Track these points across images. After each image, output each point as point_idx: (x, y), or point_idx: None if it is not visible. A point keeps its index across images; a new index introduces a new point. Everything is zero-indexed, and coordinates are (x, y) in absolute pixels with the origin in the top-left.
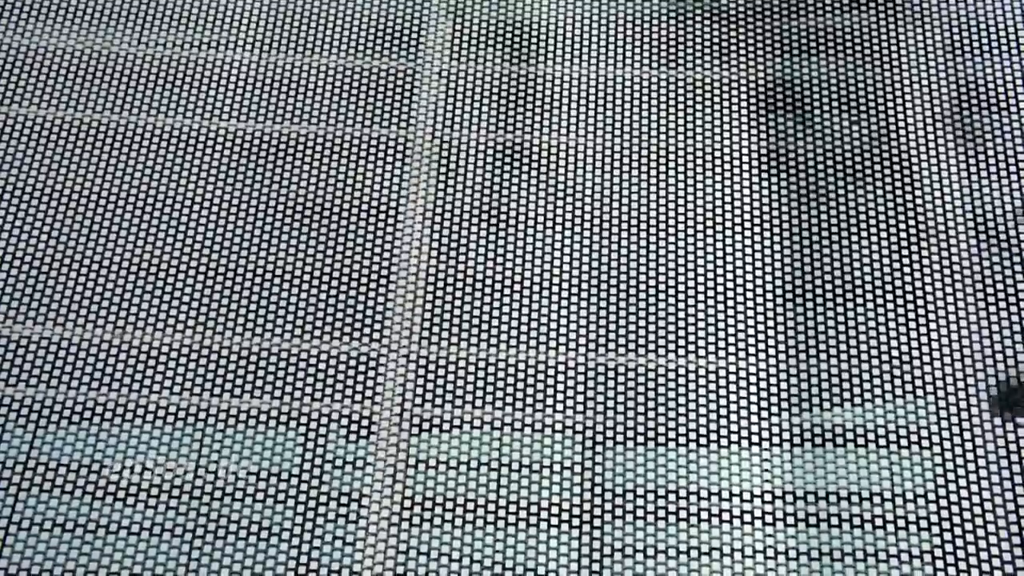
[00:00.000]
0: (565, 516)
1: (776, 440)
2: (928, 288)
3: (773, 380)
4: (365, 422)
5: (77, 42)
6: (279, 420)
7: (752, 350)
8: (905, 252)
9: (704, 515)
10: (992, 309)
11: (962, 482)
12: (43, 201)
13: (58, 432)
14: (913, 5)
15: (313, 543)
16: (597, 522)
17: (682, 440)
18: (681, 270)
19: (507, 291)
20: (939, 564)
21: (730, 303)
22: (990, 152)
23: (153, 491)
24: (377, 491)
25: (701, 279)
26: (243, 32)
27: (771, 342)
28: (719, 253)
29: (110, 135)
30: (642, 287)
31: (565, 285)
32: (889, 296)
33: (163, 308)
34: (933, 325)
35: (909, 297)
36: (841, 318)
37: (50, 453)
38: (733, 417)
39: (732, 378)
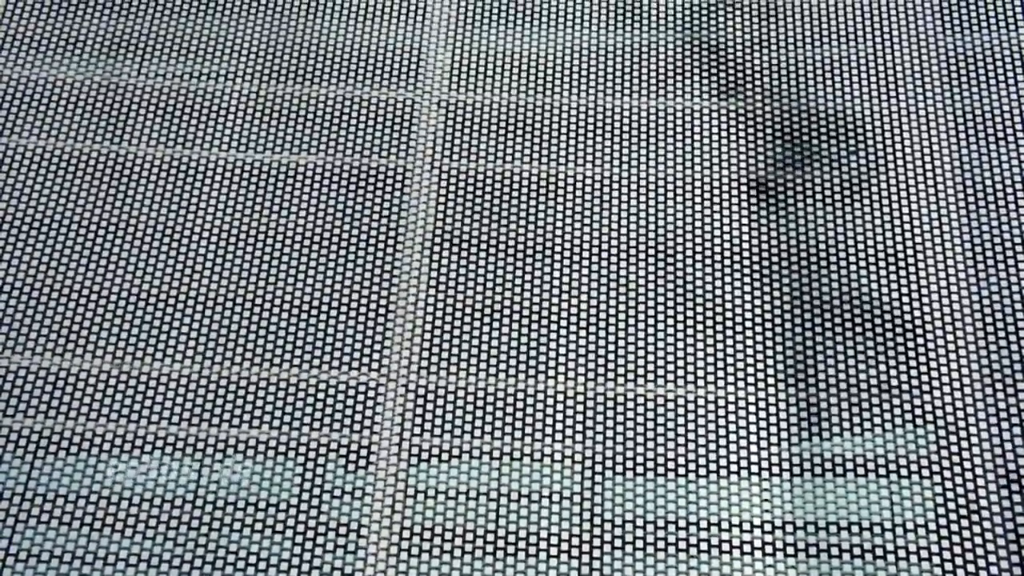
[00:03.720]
0: (564, 546)
1: (776, 470)
2: (927, 318)
3: (772, 410)
4: (364, 452)
5: (78, 74)
6: (277, 450)
7: (751, 380)
8: (904, 282)
9: (704, 545)
10: (991, 339)
11: (962, 512)
12: (42, 232)
13: (56, 463)
14: (914, 36)
15: (312, 573)
16: (597, 552)
17: (682, 470)
18: (680, 300)
19: (506, 320)
20: None
21: (729, 333)
22: (987, 181)
23: (151, 522)
24: (376, 521)
25: (701, 309)
26: (243, 63)
27: (770, 372)
28: (717, 283)
29: (110, 166)
30: (642, 316)
31: (564, 314)
32: (888, 326)
33: (161, 338)
34: (932, 355)
35: (908, 327)
36: (840, 348)
37: (48, 484)
38: (733, 447)
39: (731, 408)
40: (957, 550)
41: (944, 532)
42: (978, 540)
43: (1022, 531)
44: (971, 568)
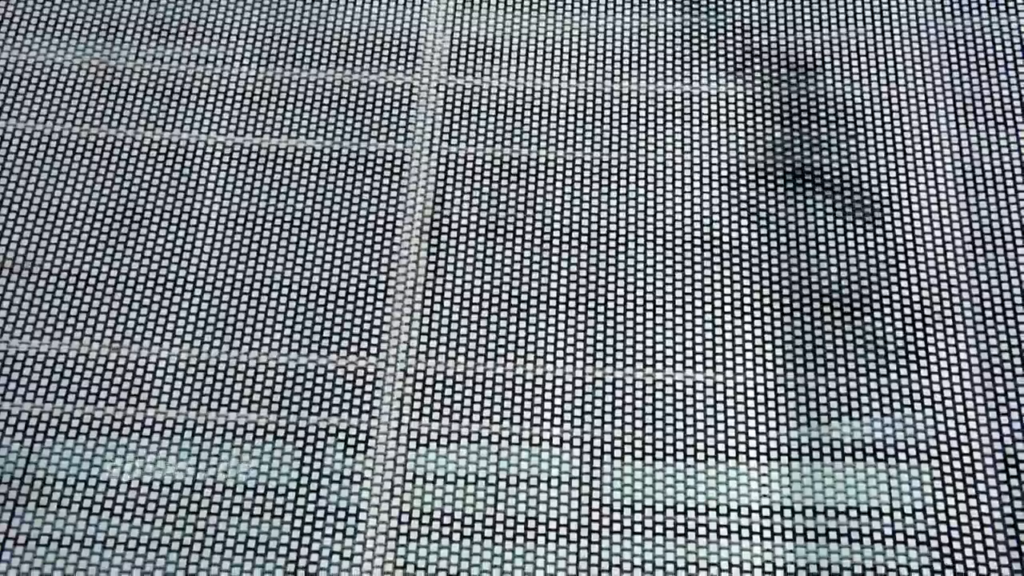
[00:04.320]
0: (563, 531)
1: (774, 454)
2: (925, 303)
3: (770, 394)
4: (363, 436)
5: (76, 56)
6: (275, 434)
7: (749, 364)
8: (901, 263)
9: (702, 530)
10: (990, 324)
11: (961, 496)
12: (39, 215)
13: (54, 447)
14: (913, 20)
15: (310, 558)
16: (595, 537)
17: (679, 454)
18: (679, 284)
19: (505, 305)
20: None
21: (728, 317)
22: (987, 167)
23: (150, 506)
24: (375, 505)
25: (697, 292)
26: (240, 46)
27: (768, 355)
28: (714, 266)
29: (108, 149)
30: (639, 300)
31: (563, 299)
32: (887, 311)
33: (160, 322)
34: (930, 339)
35: (907, 311)
36: (838, 331)
37: (46, 468)
38: (731, 431)
39: (729, 392)
40: (955, 534)
41: (942, 516)
42: (976, 524)
43: (1020, 515)
44: (968, 552)
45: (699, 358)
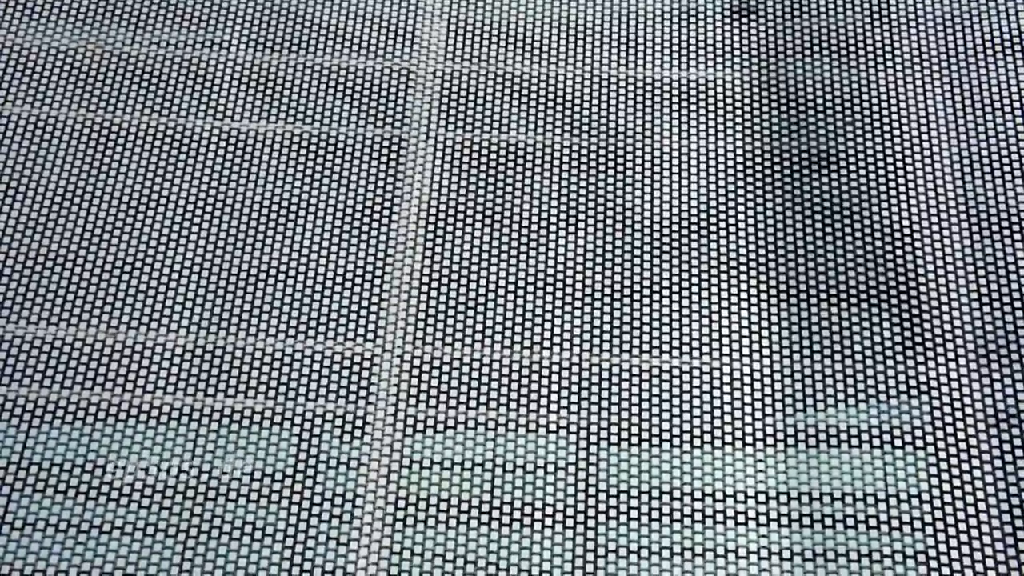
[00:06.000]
0: (559, 516)
1: (770, 441)
2: (922, 288)
3: (767, 381)
4: (359, 422)
5: (70, 41)
6: (273, 420)
7: (745, 351)
8: (898, 251)
9: (698, 516)
10: (987, 309)
11: (956, 482)
12: (35, 200)
13: (51, 432)
14: (911, 5)
15: (307, 543)
16: (591, 522)
17: (676, 441)
18: (675, 270)
19: (501, 291)
20: (933, 565)
21: (723, 303)
22: (983, 147)
23: (147, 491)
24: (371, 491)
25: (695, 279)
26: (237, 31)
27: (764, 342)
28: (712, 253)
29: (102, 134)
30: (635, 287)
31: (559, 285)
32: (883, 296)
33: (156, 307)
34: (927, 325)
35: (903, 296)
36: (835, 318)
37: (43, 453)
38: (727, 418)
39: (726, 379)
40: (951, 520)
41: (937, 503)
42: (971, 511)
43: (1015, 501)
44: (964, 538)
45: (696, 345)
